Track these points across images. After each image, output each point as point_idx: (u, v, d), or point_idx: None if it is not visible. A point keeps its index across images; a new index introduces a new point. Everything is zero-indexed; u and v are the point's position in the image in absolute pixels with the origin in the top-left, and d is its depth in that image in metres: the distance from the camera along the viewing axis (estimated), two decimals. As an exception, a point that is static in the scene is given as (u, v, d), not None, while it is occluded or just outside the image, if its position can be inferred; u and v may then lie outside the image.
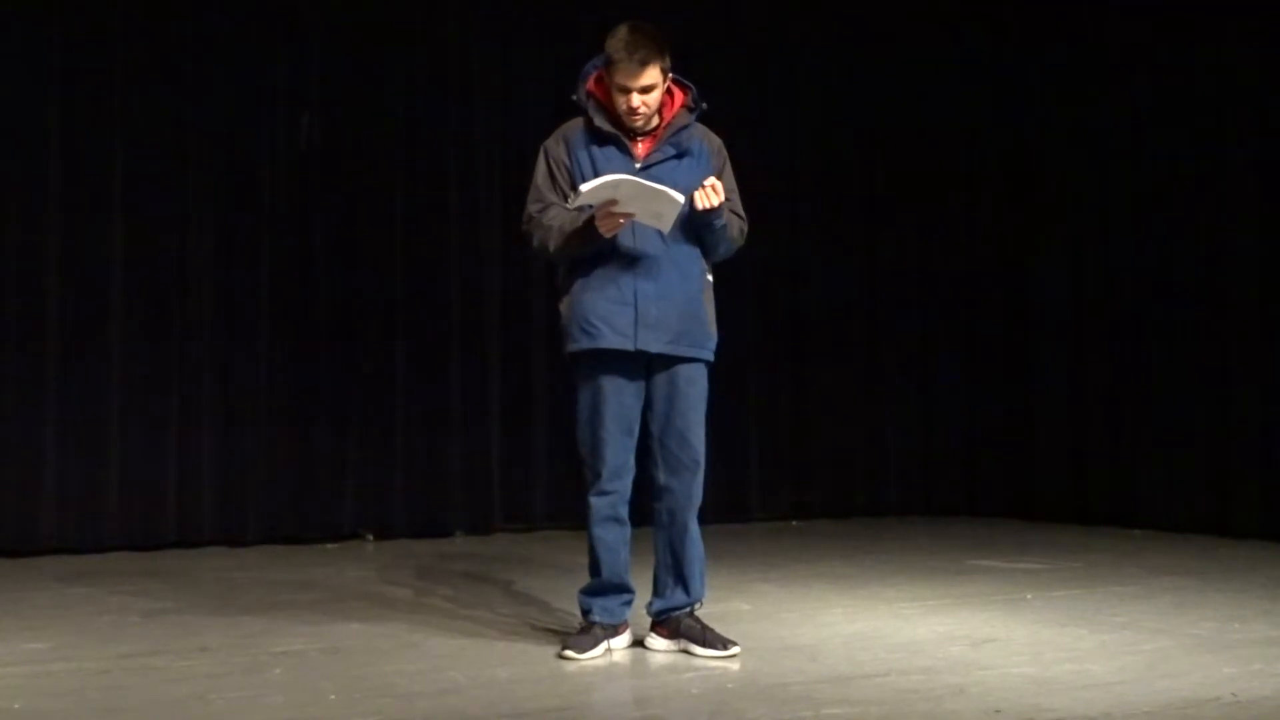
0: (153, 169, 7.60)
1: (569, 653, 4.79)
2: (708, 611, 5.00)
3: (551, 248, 4.83)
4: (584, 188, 4.59)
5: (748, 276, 8.43)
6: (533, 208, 4.89)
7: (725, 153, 4.96)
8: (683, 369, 4.86)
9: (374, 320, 8.07)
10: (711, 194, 4.71)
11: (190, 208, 7.69)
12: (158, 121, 7.61)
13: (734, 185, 4.94)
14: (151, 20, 7.60)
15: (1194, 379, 8.23)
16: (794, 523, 8.94)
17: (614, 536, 4.88)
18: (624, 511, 4.90)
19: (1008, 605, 5.86)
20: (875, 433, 9.36)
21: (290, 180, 7.91)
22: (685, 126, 4.85)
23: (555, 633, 5.16)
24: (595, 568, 4.91)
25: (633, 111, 4.76)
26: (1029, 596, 6.08)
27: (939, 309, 9.52)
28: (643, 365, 4.83)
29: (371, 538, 7.95)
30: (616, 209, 4.62)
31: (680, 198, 4.61)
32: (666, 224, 4.69)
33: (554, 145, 4.90)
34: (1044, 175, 9.10)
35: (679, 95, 4.87)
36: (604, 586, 4.90)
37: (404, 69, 8.17)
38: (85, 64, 7.46)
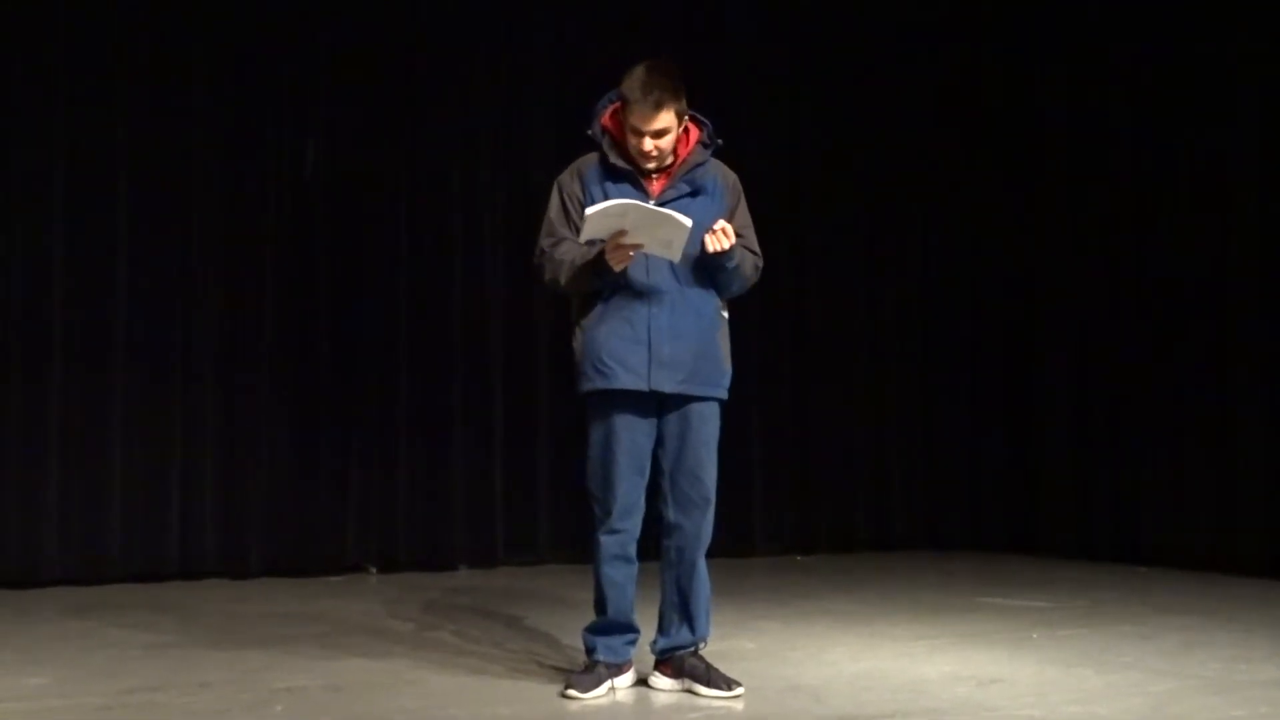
0: (156, 199, 7.59)
1: (572, 691, 4.76)
2: (712, 649, 4.97)
3: (563, 281, 4.81)
4: (590, 211, 4.55)
5: (751, 309, 8.39)
6: (545, 242, 4.87)
7: (740, 189, 4.94)
8: (696, 407, 4.83)
9: (377, 352, 8.05)
10: (722, 237, 4.68)
11: (194, 239, 7.68)
12: (161, 151, 7.61)
13: (748, 221, 4.92)
14: (155, 47, 7.61)
15: (1200, 413, 8.18)
16: (798, 557, 8.91)
17: (622, 575, 4.86)
18: (633, 550, 4.87)
19: (1013, 644, 5.83)
20: (879, 467, 9.33)
21: (295, 210, 7.91)
22: (701, 164, 4.83)
23: (559, 670, 5.13)
24: (601, 606, 4.88)
25: (645, 155, 4.74)
26: (1035, 635, 6.04)
27: (942, 343, 9.48)
28: (655, 403, 4.81)
29: (375, 570, 7.92)
30: (625, 240, 4.60)
31: (688, 221, 4.57)
32: (676, 252, 4.64)
33: (568, 180, 4.89)
34: (1047, 198, 9.07)
35: (694, 131, 4.85)
36: (609, 625, 4.88)
37: (408, 96, 8.16)
38: (89, 92, 7.46)
